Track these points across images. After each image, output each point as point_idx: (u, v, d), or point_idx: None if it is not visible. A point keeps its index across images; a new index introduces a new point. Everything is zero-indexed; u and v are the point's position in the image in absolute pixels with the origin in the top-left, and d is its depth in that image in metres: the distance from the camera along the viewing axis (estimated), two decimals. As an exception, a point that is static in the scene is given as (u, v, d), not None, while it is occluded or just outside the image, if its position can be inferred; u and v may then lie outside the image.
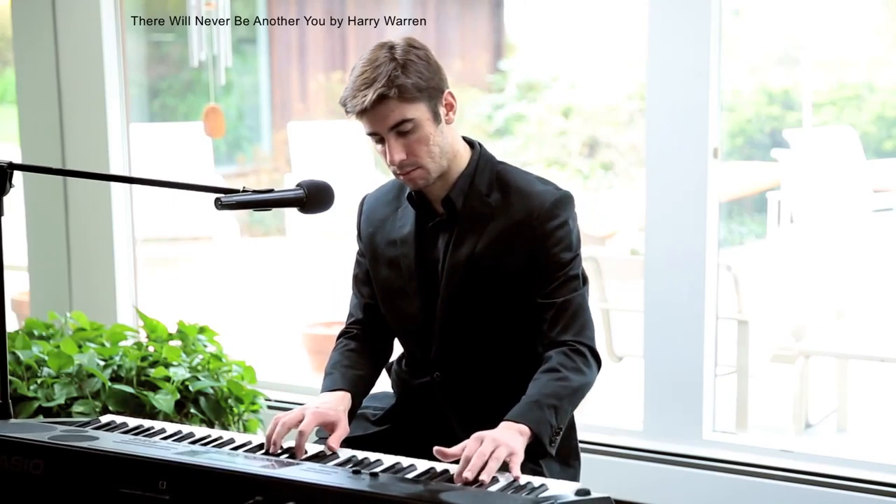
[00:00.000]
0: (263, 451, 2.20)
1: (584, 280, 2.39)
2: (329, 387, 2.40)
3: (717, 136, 3.67)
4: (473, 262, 2.36)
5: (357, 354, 2.49)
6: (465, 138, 2.44)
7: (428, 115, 2.30)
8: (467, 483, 2.02)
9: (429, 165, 2.33)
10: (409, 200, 2.43)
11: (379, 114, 2.26)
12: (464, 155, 2.41)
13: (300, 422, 2.24)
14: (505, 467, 2.08)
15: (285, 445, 2.22)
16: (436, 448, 2.12)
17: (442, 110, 2.33)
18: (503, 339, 2.40)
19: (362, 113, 2.27)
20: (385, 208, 2.50)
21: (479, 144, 2.44)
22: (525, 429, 2.18)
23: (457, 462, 2.09)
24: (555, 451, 2.26)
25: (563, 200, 2.37)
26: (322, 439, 2.30)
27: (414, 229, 2.42)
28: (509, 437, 2.13)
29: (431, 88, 2.30)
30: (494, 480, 2.04)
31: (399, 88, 2.25)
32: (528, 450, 2.19)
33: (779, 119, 7.38)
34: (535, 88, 8.41)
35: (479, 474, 2.03)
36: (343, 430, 2.29)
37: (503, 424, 2.19)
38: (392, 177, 2.47)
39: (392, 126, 2.28)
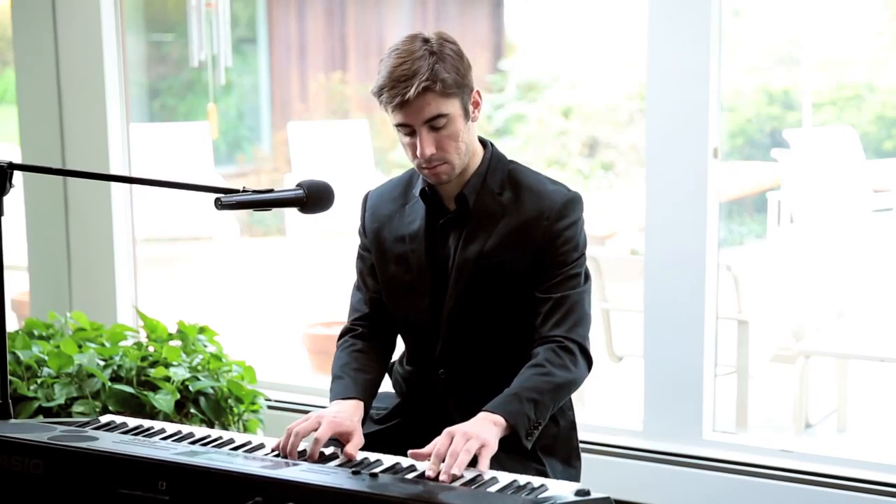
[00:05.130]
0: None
1: (587, 277, 2.40)
2: (341, 394, 2.36)
3: (717, 136, 3.67)
4: (483, 260, 2.36)
5: (364, 355, 2.46)
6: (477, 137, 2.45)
7: (460, 111, 2.31)
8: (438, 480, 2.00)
9: (455, 161, 2.33)
10: (421, 195, 2.43)
11: (416, 106, 2.25)
12: (479, 153, 2.41)
13: (314, 430, 2.20)
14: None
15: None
16: (410, 451, 2.11)
17: (470, 107, 2.34)
18: (509, 337, 2.40)
19: (401, 105, 2.26)
20: (391, 204, 2.49)
21: (491, 143, 2.45)
22: (500, 420, 2.17)
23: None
24: (531, 444, 2.24)
25: (574, 201, 2.38)
26: (334, 443, 2.28)
27: (424, 225, 2.42)
28: (481, 428, 2.12)
29: (465, 85, 2.31)
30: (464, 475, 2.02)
31: (442, 82, 2.25)
32: (505, 442, 2.18)
33: (779, 119, 7.38)
34: (535, 88, 8.41)
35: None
36: (359, 439, 2.24)
37: (479, 415, 2.18)
38: (395, 174, 2.46)
39: (427, 119, 2.27)
